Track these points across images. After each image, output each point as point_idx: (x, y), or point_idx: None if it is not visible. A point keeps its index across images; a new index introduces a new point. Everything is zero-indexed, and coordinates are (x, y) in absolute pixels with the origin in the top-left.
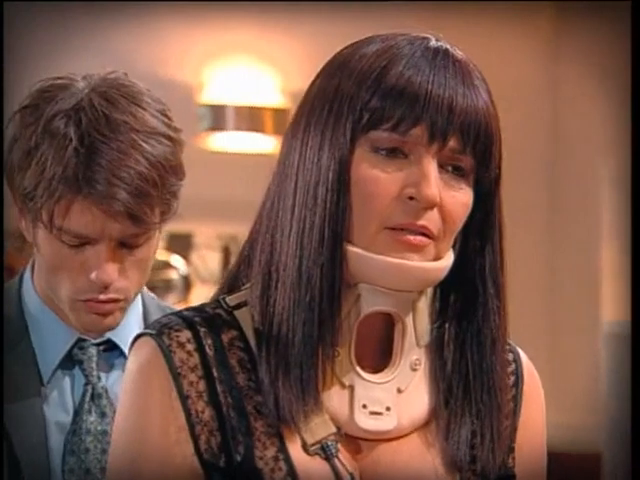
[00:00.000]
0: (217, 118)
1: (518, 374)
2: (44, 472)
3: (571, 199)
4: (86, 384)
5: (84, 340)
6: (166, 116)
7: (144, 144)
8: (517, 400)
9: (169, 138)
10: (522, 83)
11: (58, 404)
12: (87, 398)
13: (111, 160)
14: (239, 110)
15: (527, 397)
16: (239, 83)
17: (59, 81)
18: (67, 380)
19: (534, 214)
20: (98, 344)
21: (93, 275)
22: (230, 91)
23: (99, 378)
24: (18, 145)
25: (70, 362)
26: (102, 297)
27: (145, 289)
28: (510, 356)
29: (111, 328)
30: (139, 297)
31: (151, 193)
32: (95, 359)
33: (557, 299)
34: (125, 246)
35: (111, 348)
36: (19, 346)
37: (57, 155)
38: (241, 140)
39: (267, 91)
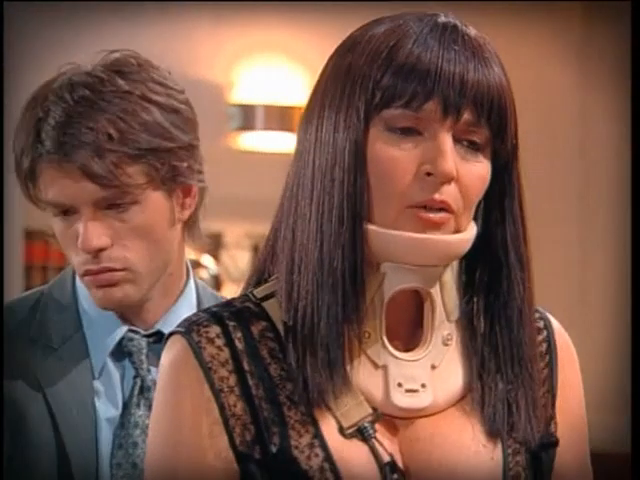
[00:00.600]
0: (247, 117)
1: (550, 340)
2: (92, 466)
3: (600, 197)
4: (135, 377)
5: (134, 331)
6: (159, 83)
7: (103, 102)
8: (552, 366)
9: (148, 100)
10: (549, 84)
11: (108, 397)
12: (136, 391)
13: (64, 119)
14: (269, 109)
15: (561, 362)
16: (269, 82)
17: (69, 66)
18: (117, 373)
19: (564, 212)
20: (148, 335)
21: (79, 243)
22: (260, 90)
23: (149, 371)
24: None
25: (120, 354)
26: (94, 267)
27: (198, 279)
28: (541, 323)
29: (124, 303)
30: (192, 286)
31: (105, 146)
32: (145, 351)
33: (588, 296)
34: (110, 210)
35: (161, 339)
36: (72, 339)
37: (25, 127)
38: (271, 139)
39: (297, 90)
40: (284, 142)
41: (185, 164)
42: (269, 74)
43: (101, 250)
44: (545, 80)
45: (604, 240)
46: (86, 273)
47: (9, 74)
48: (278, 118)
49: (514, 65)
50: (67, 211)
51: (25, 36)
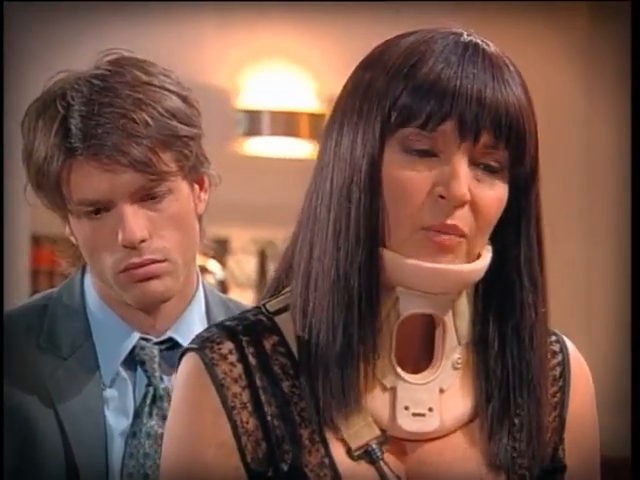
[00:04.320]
0: (253, 123)
1: (565, 365)
2: (102, 476)
3: (607, 201)
4: (148, 385)
5: (146, 340)
6: (166, 76)
7: (127, 91)
8: (565, 391)
9: (167, 89)
10: (554, 85)
11: (119, 407)
12: (148, 400)
13: (92, 108)
14: (275, 115)
15: (575, 387)
16: (275, 88)
17: (65, 73)
18: (129, 382)
19: (571, 215)
20: (160, 342)
21: (120, 237)
22: (266, 96)
23: (161, 379)
24: (27, 138)
25: (132, 362)
26: (137, 260)
27: (206, 283)
28: (556, 346)
29: (165, 296)
30: (201, 291)
31: (140, 132)
32: (157, 359)
33: (591, 302)
34: (146, 201)
35: (173, 347)
36: (82, 348)
37: (45, 131)
38: (277, 145)
39: (303, 96)
40: (290, 147)
41: (202, 153)
42: (275, 79)
43: (142, 242)
44: (550, 81)
45: (609, 246)
46: (128, 268)
47: (9, 74)
48: (284, 123)
49: (518, 66)
50: (99, 210)
51: (25, 36)
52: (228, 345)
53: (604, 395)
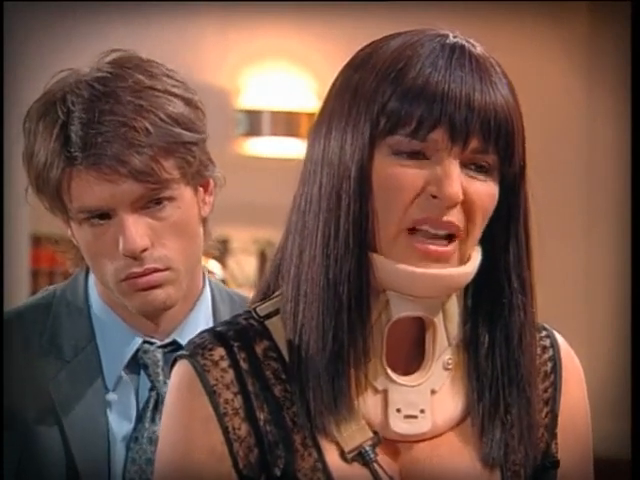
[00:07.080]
0: (253, 123)
1: (556, 360)
2: None
3: (607, 205)
4: (151, 389)
5: (149, 343)
6: (171, 77)
7: (129, 97)
8: (556, 386)
9: (171, 93)
10: (556, 85)
11: (122, 411)
12: (151, 405)
13: (92, 116)
14: (275, 115)
15: (566, 382)
16: (275, 88)
17: (66, 72)
18: (132, 385)
19: (570, 220)
20: (163, 346)
21: (121, 247)
22: (266, 96)
23: (165, 383)
24: (27, 139)
25: (135, 366)
26: (138, 269)
27: (214, 279)
28: (547, 341)
29: (167, 305)
30: (208, 292)
31: (142, 141)
32: (161, 363)
33: (591, 304)
34: (147, 209)
35: (177, 350)
36: (85, 350)
37: (45, 136)
38: (277, 145)
39: (303, 96)
40: (291, 147)
41: (206, 157)
42: (276, 80)
43: (143, 251)
44: (550, 81)
45: (608, 245)
46: (129, 277)
47: (9, 74)
48: (284, 123)
49: (519, 67)
50: (100, 216)
51: (25, 36)
52: (220, 351)
53: (604, 396)
